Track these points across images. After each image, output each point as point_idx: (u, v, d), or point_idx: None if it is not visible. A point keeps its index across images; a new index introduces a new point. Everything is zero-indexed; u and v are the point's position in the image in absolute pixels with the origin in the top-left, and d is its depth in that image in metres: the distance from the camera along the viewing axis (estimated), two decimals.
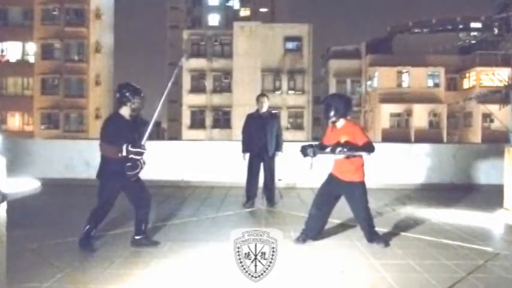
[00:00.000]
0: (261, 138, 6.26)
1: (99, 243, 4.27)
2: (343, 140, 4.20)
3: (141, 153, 3.94)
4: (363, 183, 4.32)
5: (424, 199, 7.28)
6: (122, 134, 3.96)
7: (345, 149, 4.12)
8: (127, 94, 4.07)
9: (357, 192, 4.30)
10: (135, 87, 4.14)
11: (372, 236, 4.34)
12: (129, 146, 3.89)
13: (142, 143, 3.97)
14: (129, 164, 3.93)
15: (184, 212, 5.99)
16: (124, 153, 3.88)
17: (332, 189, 4.39)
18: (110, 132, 4.01)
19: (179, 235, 4.61)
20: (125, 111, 4.11)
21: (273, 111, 6.71)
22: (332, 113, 4.27)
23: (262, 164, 6.38)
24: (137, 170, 3.99)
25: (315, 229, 4.43)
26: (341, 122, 4.31)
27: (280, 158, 6.47)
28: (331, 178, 4.40)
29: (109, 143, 3.96)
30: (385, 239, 4.39)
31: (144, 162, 4.02)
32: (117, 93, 4.13)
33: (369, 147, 4.17)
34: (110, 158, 3.99)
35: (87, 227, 4.09)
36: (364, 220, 4.34)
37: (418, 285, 3.31)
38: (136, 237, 4.20)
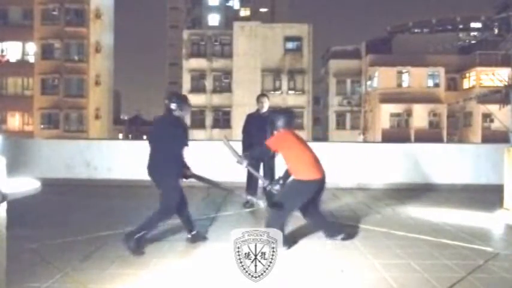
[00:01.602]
0: (261, 138, 6.24)
1: (99, 243, 4.27)
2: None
3: None
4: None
5: (424, 199, 7.28)
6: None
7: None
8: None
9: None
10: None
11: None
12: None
13: None
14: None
15: None
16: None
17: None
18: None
19: (179, 235, 4.60)
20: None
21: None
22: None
23: (262, 164, 6.38)
24: None
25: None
26: None
27: (280, 158, 6.45)
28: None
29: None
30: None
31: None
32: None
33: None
34: (176, 158, 4.46)
35: (143, 232, 4.01)
36: None
37: (418, 285, 3.31)
38: (193, 233, 4.40)
